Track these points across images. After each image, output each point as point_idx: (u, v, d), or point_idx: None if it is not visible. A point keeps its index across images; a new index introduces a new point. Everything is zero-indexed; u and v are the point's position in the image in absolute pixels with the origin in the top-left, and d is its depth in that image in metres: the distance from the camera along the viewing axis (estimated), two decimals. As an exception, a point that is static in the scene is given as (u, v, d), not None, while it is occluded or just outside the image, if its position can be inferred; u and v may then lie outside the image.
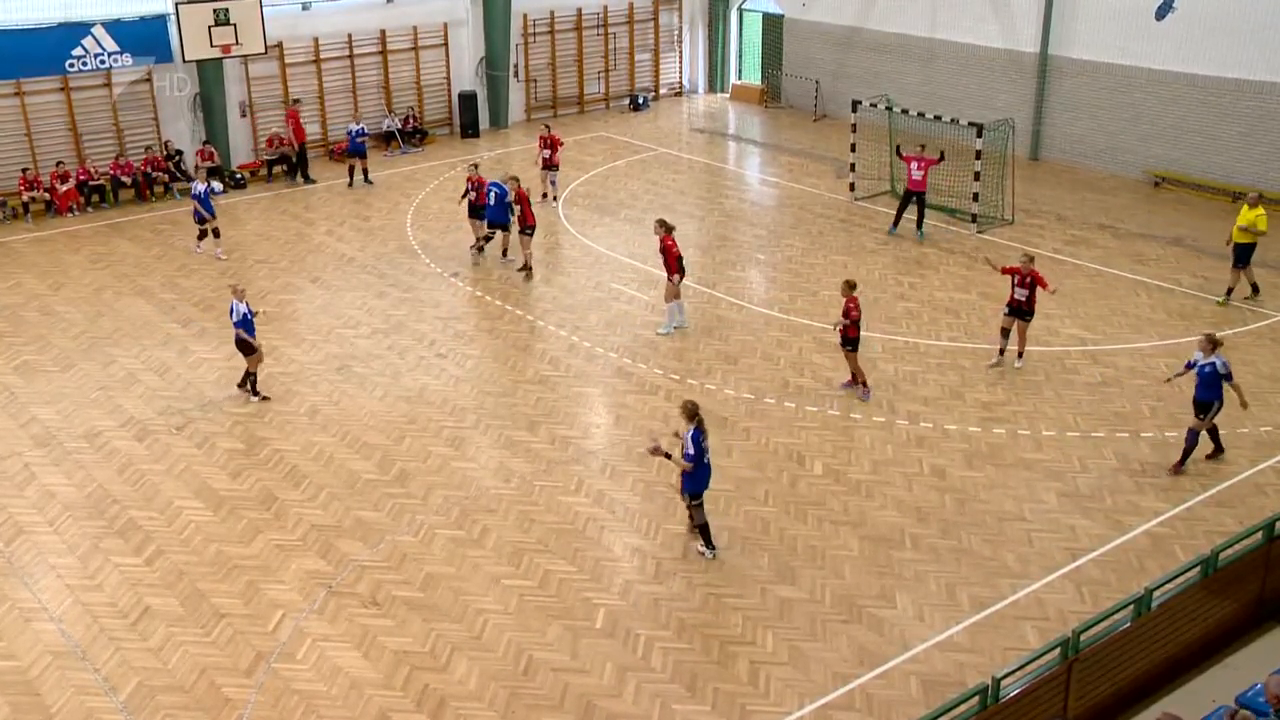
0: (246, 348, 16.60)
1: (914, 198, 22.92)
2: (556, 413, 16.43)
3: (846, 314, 16.08)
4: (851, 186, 25.92)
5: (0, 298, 20.72)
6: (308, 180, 27.75)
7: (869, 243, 23.22)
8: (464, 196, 22.71)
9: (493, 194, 21.37)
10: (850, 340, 16.29)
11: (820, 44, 33.60)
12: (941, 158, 22.69)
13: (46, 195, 25.25)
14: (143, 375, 17.70)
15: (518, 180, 21.39)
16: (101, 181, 26.00)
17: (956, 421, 16.02)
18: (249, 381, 16.88)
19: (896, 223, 23.49)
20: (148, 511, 14.02)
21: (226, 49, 26.66)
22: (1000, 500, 14.14)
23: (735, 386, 17.09)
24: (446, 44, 31.66)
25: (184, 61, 26.65)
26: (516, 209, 21.21)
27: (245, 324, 16.40)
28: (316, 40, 29.29)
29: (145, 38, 26.11)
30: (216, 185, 26.90)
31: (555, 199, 26.16)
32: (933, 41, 30.73)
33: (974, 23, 29.70)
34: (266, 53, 27.72)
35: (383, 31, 30.37)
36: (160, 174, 26.56)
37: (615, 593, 12.47)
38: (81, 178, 25.67)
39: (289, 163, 27.82)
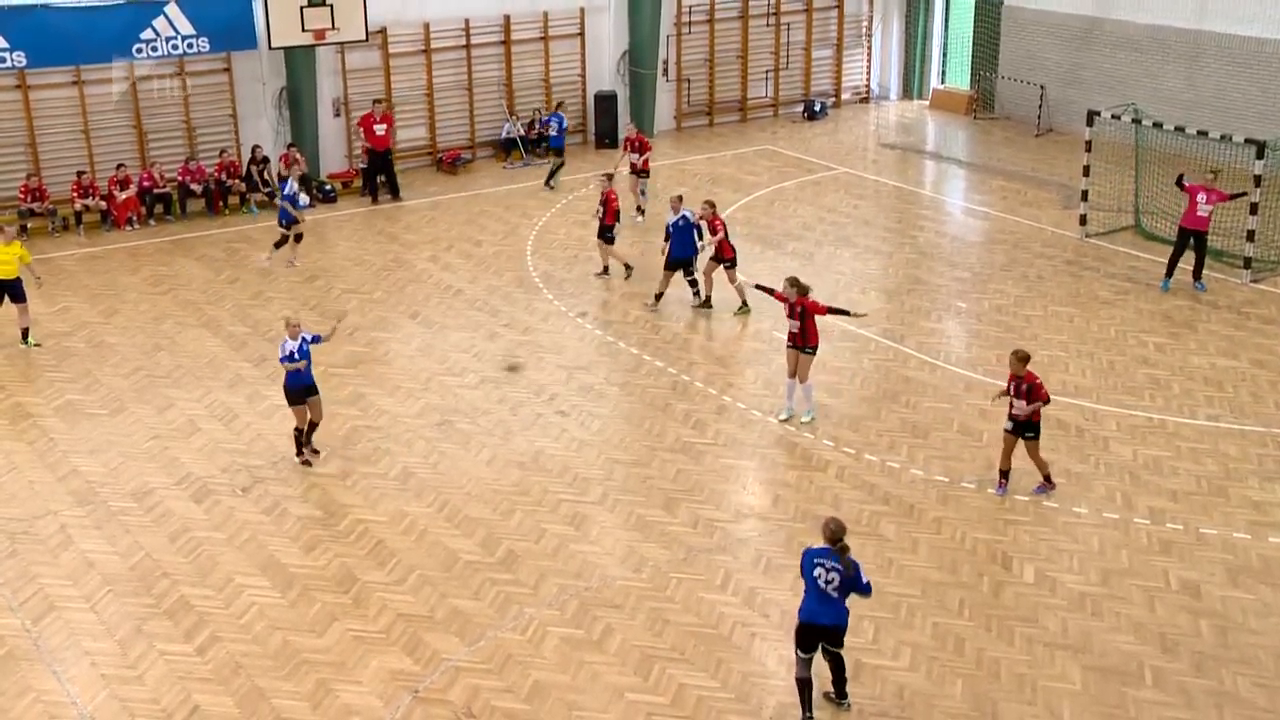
0: (294, 396, 16.86)
1: (1191, 238, 22.30)
2: (700, 489, 16.43)
3: (1032, 394, 15.51)
4: (1083, 219, 25.47)
5: (44, 325, 21.78)
6: (395, 196, 28.52)
7: (1103, 291, 22.72)
8: (599, 213, 23.16)
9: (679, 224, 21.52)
10: (1025, 426, 15.77)
11: (1048, 39, 33.23)
12: (1240, 194, 22.06)
13: (103, 204, 26.57)
14: (205, 423, 18.34)
15: (712, 206, 21.58)
16: (167, 189, 27.24)
17: (1217, 525, 15.49)
18: (303, 438, 17.09)
19: (1170, 272, 22.64)
20: (203, 589, 14.45)
21: (321, 35, 27.76)
22: (1278, 632, 13.58)
23: (925, 466, 16.87)
24: (583, 34, 32.38)
25: (270, 49, 27.83)
26: (707, 239, 21.36)
27: (293, 362, 16.62)
28: (427, 27, 30.29)
29: (226, 19, 27.37)
30: (302, 197, 27.93)
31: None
32: (1199, 35, 30.11)
33: (1259, 7, 28.95)
34: (368, 40, 28.76)
35: (506, 18, 31.23)
36: (236, 182, 27.72)
37: (767, 718, 12.34)
38: (145, 184, 26.94)
39: (383, 175, 28.65)
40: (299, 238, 23.95)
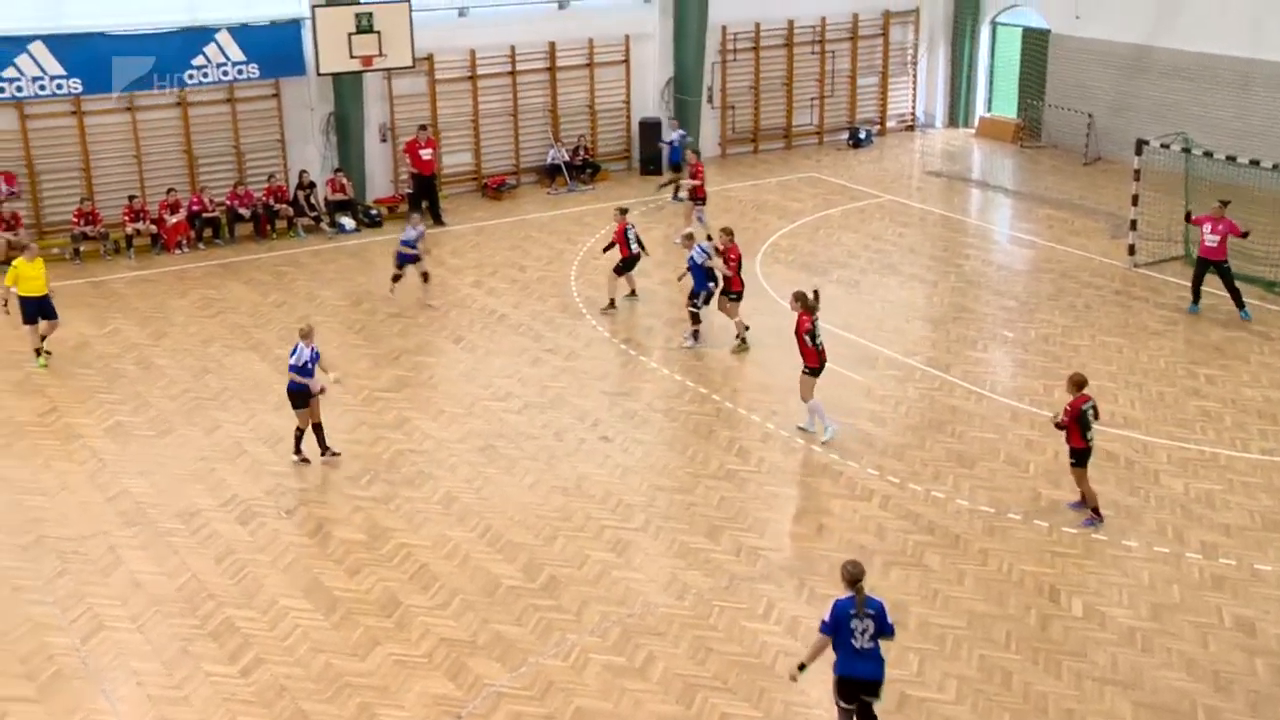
0: (301, 399, 17.36)
1: (1210, 268, 22.32)
2: (744, 517, 16.42)
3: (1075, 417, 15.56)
4: (1131, 249, 25.32)
5: (95, 347, 22.05)
6: (438, 221, 28.68)
7: (1152, 321, 22.57)
8: (608, 248, 23.14)
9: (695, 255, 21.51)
10: (1079, 453, 15.82)
11: (1097, 67, 33.13)
12: (1245, 235, 22.09)
13: (153, 228, 26.88)
14: (251, 445, 18.49)
15: (730, 235, 21.57)
16: (216, 214, 27.55)
17: (1272, 561, 15.30)
18: (318, 439, 17.75)
19: (1196, 298, 22.87)
20: (247, 610, 14.54)
21: (368, 61, 28.04)
22: (1330, 668, 13.40)
23: (971, 496, 16.79)
24: (628, 61, 32.55)
25: (318, 75, 28.14)
26: (717, 265, 21.37)
27: (304, 371, 17.18)
28: (473, 53, 30.52)
29: (275, 46, 27.75)
30: (347, 222, 28.19)
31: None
32: (1251, 63, 29.93)
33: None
34: (414, 67, 29.02)
35: (552, 45, 31.44)
36: (284, 206, 27.99)
37: (811, 750, 12.30)
38: (194, 209, 27.24)
39: (427, 200, 28.84)
40: (425, 276, 23.67)
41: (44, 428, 18.99)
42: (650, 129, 32.53)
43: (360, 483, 17.35)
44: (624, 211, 23.29)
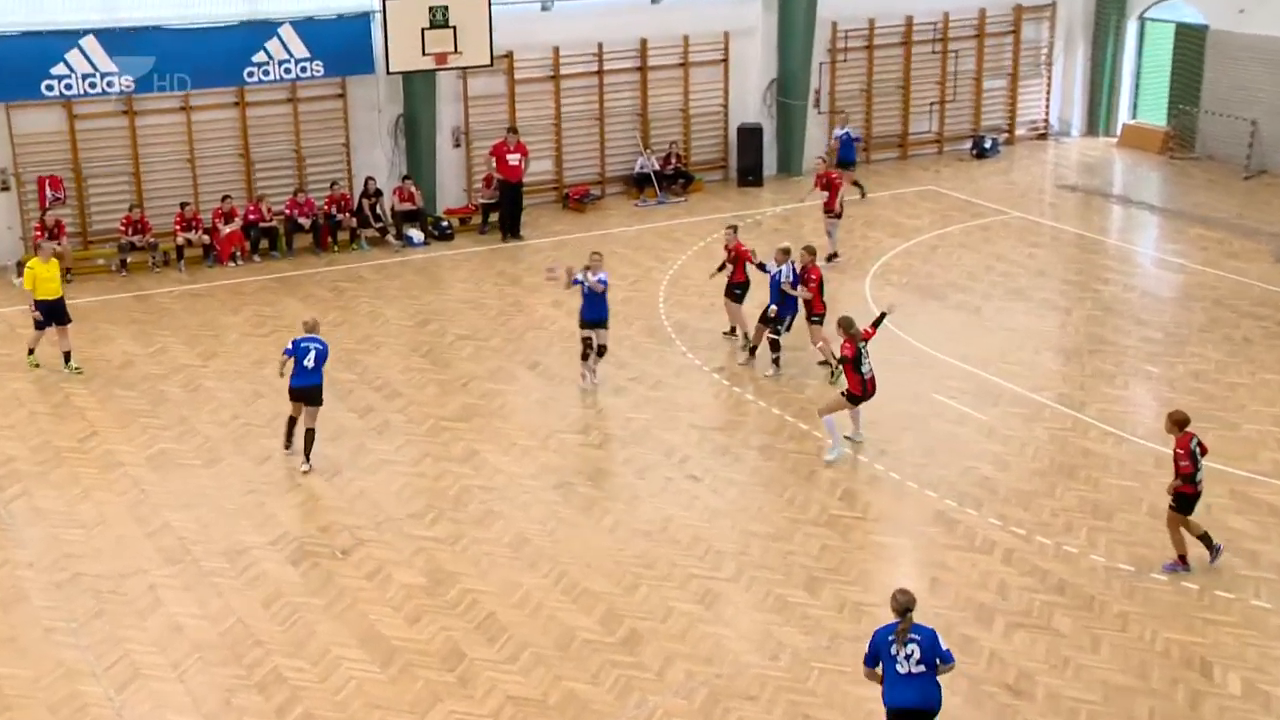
0: (320, 394, 18.72)
1: None
2: (848, 568, 16.26)
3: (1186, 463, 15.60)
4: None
5: (140, 367, 22.40)
6: (515, 235, 28.84)
7: (1321, 356, 22.15)
8: (721, 268, 23.09)
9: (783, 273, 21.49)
10: (1183, 499, 15.74)
11: (1261, 68, 32.55)
12: None
13: (205, 238, 27.31)
14: (305, 478, 18.63)
15: (813, 254, 21.57)
16: (274, 224, 27.93)
17: None
18: (308, 443, 18.75)
19: None
20: (297, 660, 14.60)
21: (442, 59, 28.30)
22: None
23: (1108, 552, 16.49)
24: (727, 60, 32.57)
25: (388, 74, 28.47)
26: (802, 289, 21.34)
27: (318, 368, 18.60)
28: (556, 51, 30.72)
29: (343, 42, 28.12)
30: (415, 234, 28.42)
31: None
32: None
33: None
34: (492, 65, 29.26)
35: (643, 42, 31.57)
36: (347, 216, 28.31)
37: (919, 834, 12.07)
38: (250, 218, 27.64)
39: (508, 211, 29.04)
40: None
41: (83, 454, 19.30)
42: (750, 136, 32.48)
43: (424, 521, 17.40)
44: (735, 230, 23.12)
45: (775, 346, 21.65)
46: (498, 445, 19.50)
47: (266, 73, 27.58)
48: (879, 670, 12.08)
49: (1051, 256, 27.47)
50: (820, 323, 21.48)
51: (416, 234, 28.58)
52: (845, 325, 18.68)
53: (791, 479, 18.43)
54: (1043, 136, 36.64)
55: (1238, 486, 17.95)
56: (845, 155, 30.89)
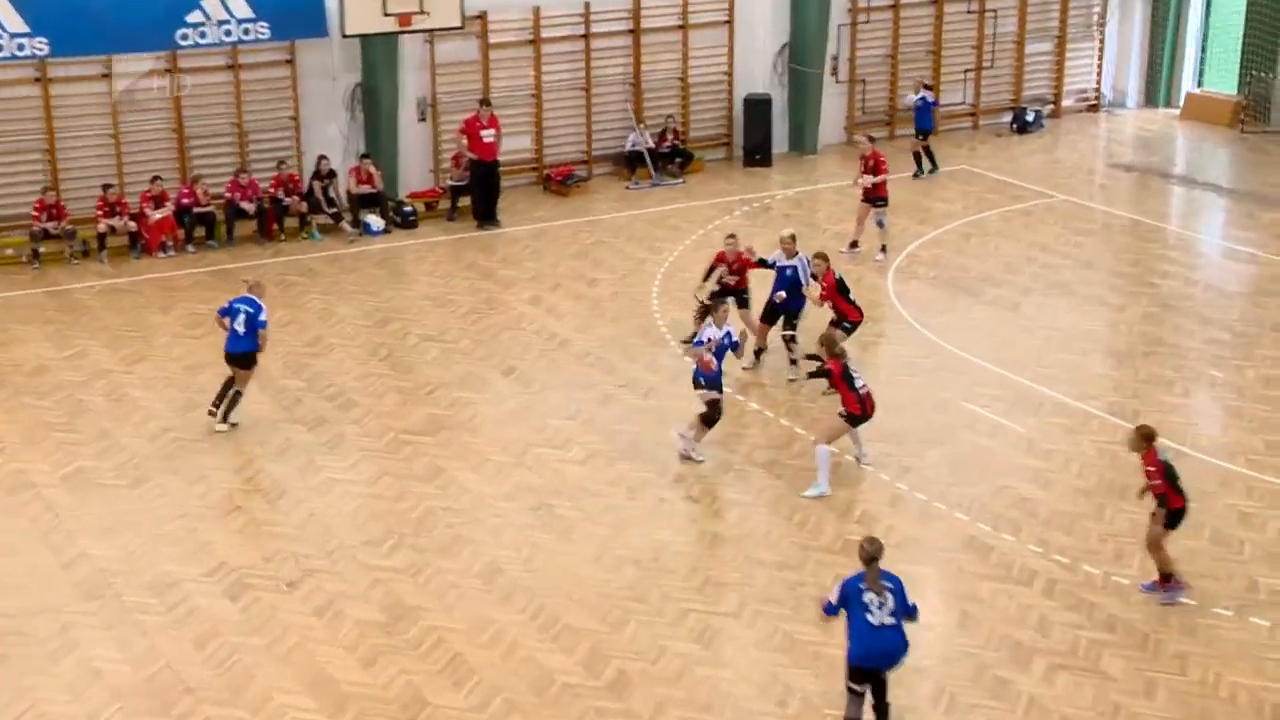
0: (250, 360, 19.89)
1: None
2: (867, 603, 16.21)
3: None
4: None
5: (55, 373, 22.27)
6: (489, 221, 28.89)
7: (1407, 361, 22.16)
8: (708, 276, 22.58)
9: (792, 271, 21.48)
10: (1175, 514, 15.95)
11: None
12: None
13: (132, 225, 27.25)
14: (246, 500, 18.55)
15: (826, 261, 21.44)
16: (211, 208, 27.90)
17: None
18: (230, 402, 20.01)
19: None
20: (233, 709, 14.46)
21: (406, 21, 28.13)
22: None
23: (1165, 582, 16.46)
24: (731, 23, 32.62)
25: (343, 37, 28.31)
26: (813, 290, 21.35)
27: (251, 331, 19.77)
28: (537, 12, 30.73)
29: (291, 2, 27.99)
30: (374, 221, 28.36)
31: (885, 250, 26.47)
32: None
33: None
34: (463, 28, 29.19)
35: (636, 1, 31.55)
36: (296, 200, 28.28)
37: None
38: (184, 202, 27.61)
39: (478, 194, 29.03)
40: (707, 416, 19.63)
41: (-12, 473, 19.27)
42: (758, 108, 32.49)
43: (381, 549, 17.33)
44: (734, 238, 22.64)
45: (792, 345, 21.65)
46: (467, 462, 19.43)
47: (203, 35, 27.38)
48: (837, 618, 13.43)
49: (1102, 246, 27.47)
50: (853, 330, 21.24)
51: (375, 221, 28.54)
52: (827, 343, 18.61)
53: (802, 500, 18.37)
54: (1093, 108, 36.69)
55: (1314, 509, 17.96)
56: (923, 123, 31.37)
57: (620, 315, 24.24)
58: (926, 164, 31.59)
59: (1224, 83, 35.66)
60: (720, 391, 19.18)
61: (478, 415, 20.85)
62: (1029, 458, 19.23)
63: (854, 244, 26.45)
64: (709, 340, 19.08)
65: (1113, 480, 18.68)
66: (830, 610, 13.44)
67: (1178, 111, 36.01)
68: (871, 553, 13.15)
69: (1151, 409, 20.58)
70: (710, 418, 19.19)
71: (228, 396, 20.10)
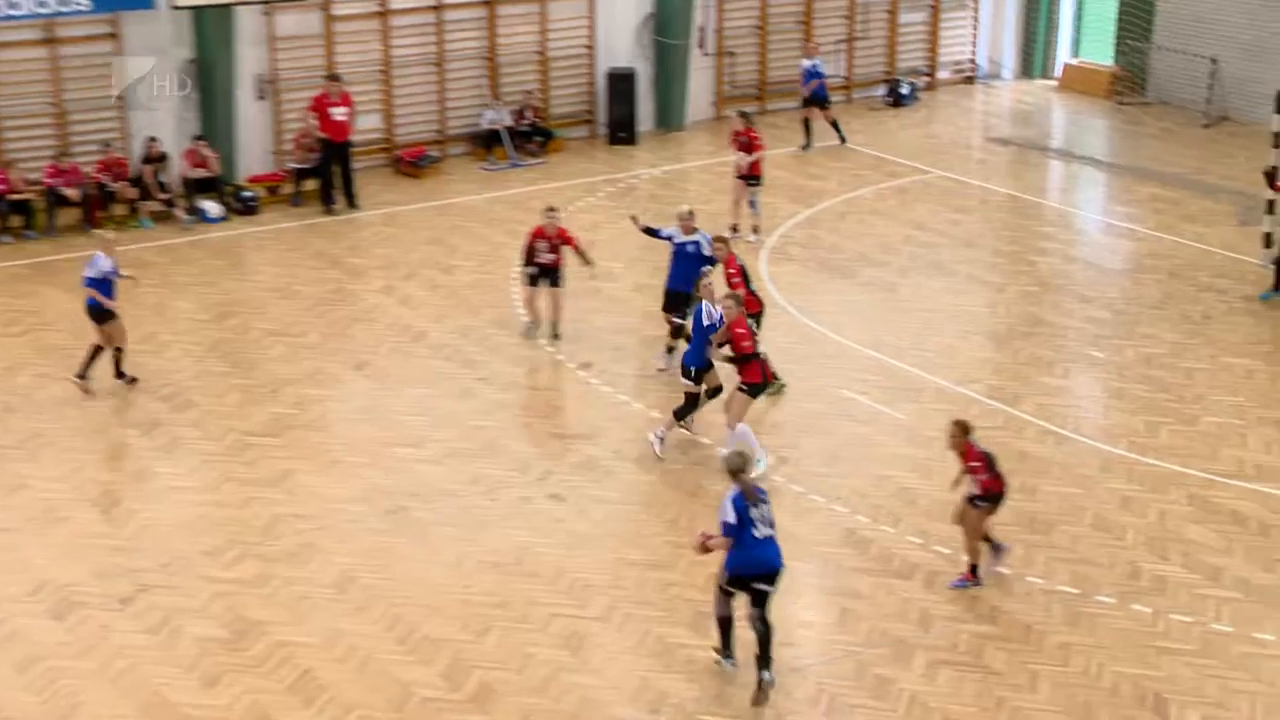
0: (103, 314, 20.51)
1: None
2: (742, 602, 16.36)
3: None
4: (1267, 240, 25.40)
5: None
6: (350, 205, 28.81)
7: (1297, 336, 22.75)
8: (529, 256, 22.66)
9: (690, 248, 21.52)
10: (994, 496, 16.38)
11: (1225, -5, 33.31)
12: None
13: (-64, 215, 26.85)
14: (72, 510, 18.24)
15: (726, 244, 21.34)
16: (28, 196, 27.47)
17: None
18: (103, 362, 20.77)
19: (1278, 284, 23.69)
20: (63, 737, 14.37)
21: (240, -10, 28.09)
22: None
23: (1046, 572, 16.75)
24: (592, -9, 32.63)
25: (172, 8, 28.13)
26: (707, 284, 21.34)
27: (104, 285, 20.36)
28: (384, -19, 30.61)
29: (114, -32, 27.71)
30: (211, 207, 28.08)
31: (758, 231, 26.64)
32: None
33: None
34: (304, -1, 29.12)
35: (490, -32, 31.53)
36: (124, 186, 27.94)
37: None
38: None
39: (322, 176, 28.94)
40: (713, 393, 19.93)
41: None
42: (621, 83, 32.55)
43: (223, 560, 17.16)
44: (553, 211, 22.75)
45: (677, 333, 21.57)
46: (315, 464, 19.35)
47: (15, 5, 26.94)
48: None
49: (980, 223, 27.87)
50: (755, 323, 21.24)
51: (213, 207, 28.28)
52: (737, 299, 18.81)
53: (674, 495, 18.48)
54: (969, 80, 37.14)
55: (1196, 490, 18.31)
56: (817, 92, 31.68)
57: (479, 305, 24.21)
58: (831, 136, 32.03)
59: (1100, 53, 36.25)
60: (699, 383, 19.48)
61: (327, 414, 20.76)
62: (909, 446, 19.45)
63: (734, 227, 26.56)
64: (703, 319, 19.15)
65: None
66: (731, 531, 14.25)
67: (1054, 83, 36.59)
68: (738, 465, 14.58)
69: (1032, 391, 20.95)
70: (687, 409, 19.44)
71: (111, 358, 20.96)
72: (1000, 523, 17.64)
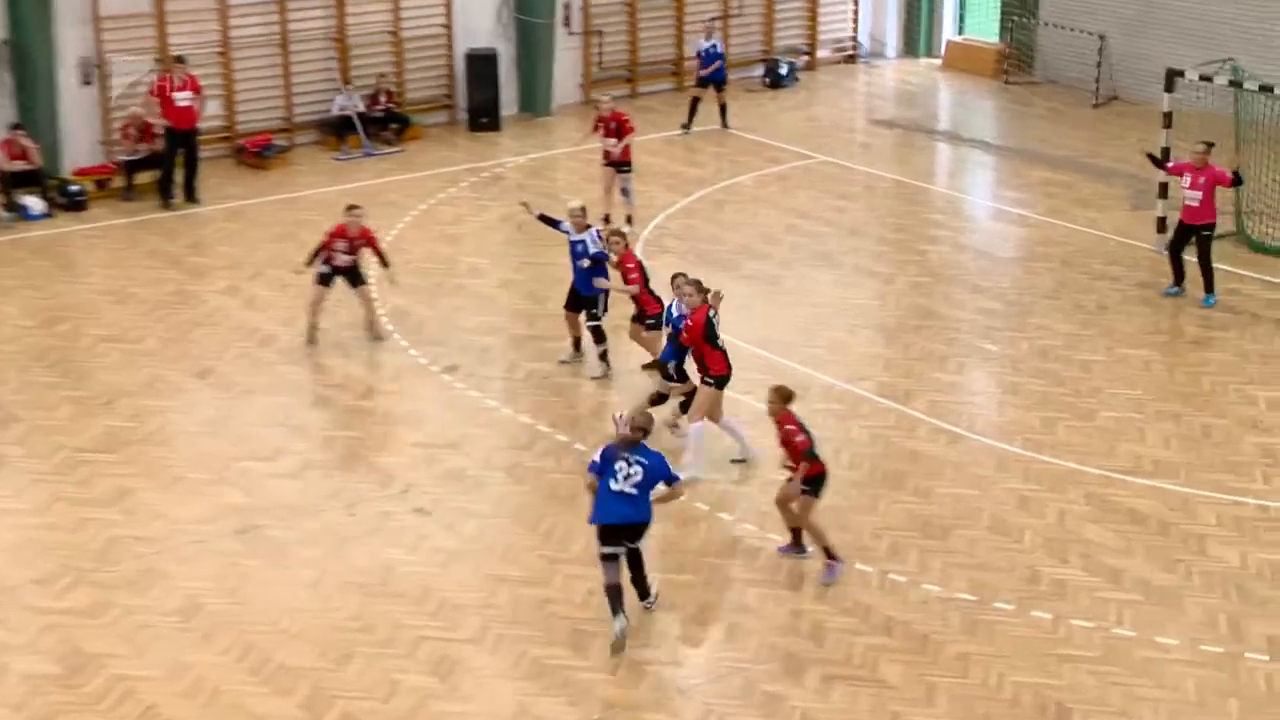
0: None
1: (1192, 235, 23.50)
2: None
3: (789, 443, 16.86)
4: (1161, 224, 25.82)
5: None
6: (191, 199, 28.53)
7: (1192, 326, 23.07)
8: (314, 257, 22.66)
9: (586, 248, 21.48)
10: (817, 480, 16.78)
11: (1110, -30, 33.83)
12: (1236, 180, 23.28)
13: None
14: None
15: (623, 238, 21.41)
16: None
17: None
18: None
19: (1178, 277, 23.99)
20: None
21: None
22: None
23: (943, 579, 16.89)
24: (447, -32, 32.55)
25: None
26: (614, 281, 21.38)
27: None
28: (222, -44, 30.32)
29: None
30: (33, 203, 27.65)
31: (632, 222, 26.69)
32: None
33: None
34: (133, -26, 28.76)
35: (338, -56, 31.36)
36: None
37: None
38: None
39: (160, 167, 28.59)
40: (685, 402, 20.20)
41: None
42: (482, 65, 32.48)
43: (55, 588, 16.88)
44: (355, 209, 22.64)
45: (599, 336, 21.58)
46: (156, 481, 19.12)
47: None
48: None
49: (865, 211, 28.11)
50: (656, 328, 20.99)
51: (35, 203, 27.89)
52: (700, 286, 19.08)
53: (549, 507, 18.45)
54: (851, 59, 37.48)
55: (1094, 488, 18.56)
56: (716, 75, 31.87)
57: (332, 306, 23.97)
58: (713, 121, 32.19)
59: (985, 30, 36.70)
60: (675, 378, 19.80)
61: (168, 426, 20.53)
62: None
63: (606, 218, 26.57)
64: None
65: (886, 469, 19.15)
66: (594, 468, 15.54)
67: (939, 61, 36.99)
68: (642, 425, 15.70)
69: (925, 388, 21.15)
70: (662, 398, 19.80)
71: None
72: (891, 528, 17.86)
